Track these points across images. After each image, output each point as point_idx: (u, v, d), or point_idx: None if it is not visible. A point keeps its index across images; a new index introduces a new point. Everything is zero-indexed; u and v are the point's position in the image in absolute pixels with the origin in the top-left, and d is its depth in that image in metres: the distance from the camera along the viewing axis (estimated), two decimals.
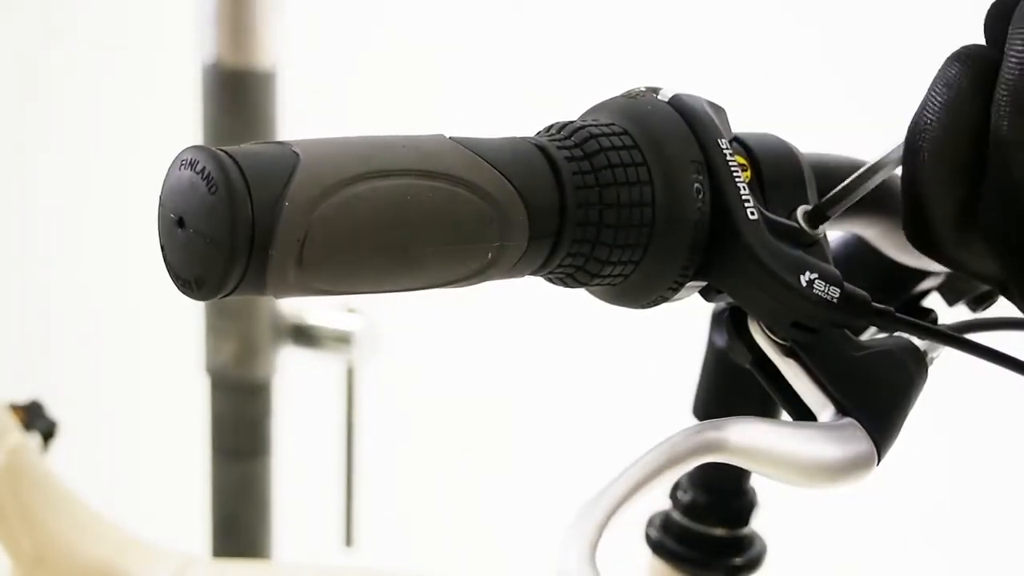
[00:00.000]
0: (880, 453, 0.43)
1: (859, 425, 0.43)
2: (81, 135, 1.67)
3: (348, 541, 1.16)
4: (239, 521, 1.13)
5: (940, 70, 0.39)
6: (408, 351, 1.48)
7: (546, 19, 1.47)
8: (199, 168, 0.35)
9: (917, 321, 0.46)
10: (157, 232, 0.37)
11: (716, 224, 0.41)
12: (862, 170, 0.44)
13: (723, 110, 0.43)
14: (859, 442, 0.42)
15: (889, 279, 0.56)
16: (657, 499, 0.64)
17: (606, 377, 1.51)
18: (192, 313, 1.09)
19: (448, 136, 0.39)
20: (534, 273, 0.41)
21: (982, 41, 0.40)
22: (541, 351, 1.55)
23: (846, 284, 0.43)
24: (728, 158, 0.41)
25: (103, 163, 1.66)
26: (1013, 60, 0.37)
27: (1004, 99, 0.37)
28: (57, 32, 1.65)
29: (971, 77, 0.38)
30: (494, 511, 1.61)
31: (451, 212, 0.38)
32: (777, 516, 0.67)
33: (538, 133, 0.42)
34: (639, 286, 0.42)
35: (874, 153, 0.45)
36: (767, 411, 0.50)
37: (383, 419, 1.32)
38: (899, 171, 0.44)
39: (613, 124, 0.41)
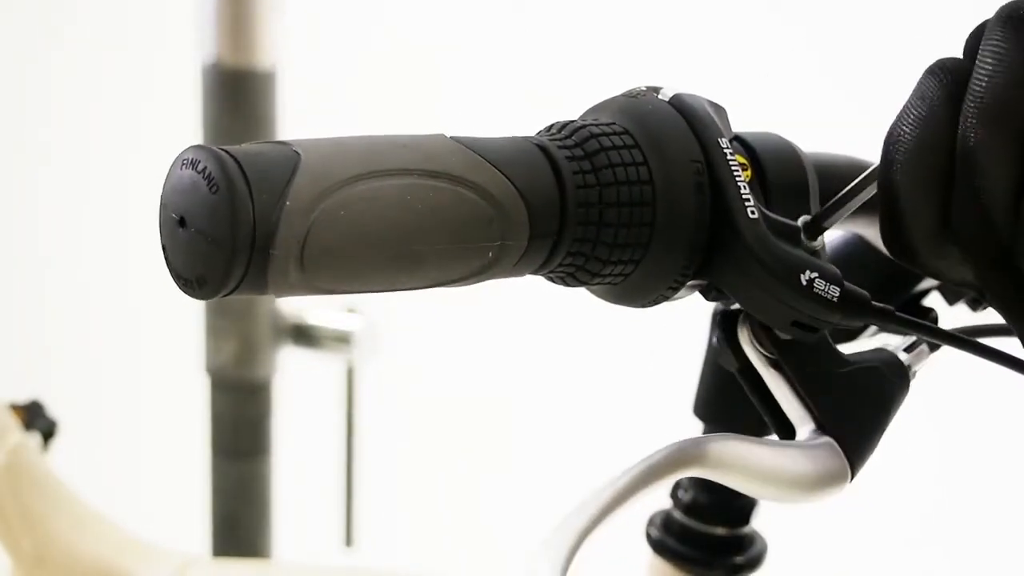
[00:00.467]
0: (853, 471, 0.44)
1: (834, 443, 0.43)
2: (81, 135, 1.67)
3: (348, 541, 1.17)
4: (239, 521, 1.13)
5: (917, 83, 0.40)
6: (408, 351, 1.48)
7: (546, 19, 1.47)
8: (200, 168, 0.35)
9: (917, 320, 0.46)
10: (158, 232, 0.37)
11: (716, 223, 0.41)
12: (862, 176, 0.44)
13: (724, 109, 0.43)
14: (833, 460, 0.43)
15: (890, 278, 0.56)
16: (657, 499, 0.64)
17: (606, 377, 1.51)
18: (192, 313, 1.09)
19: (449, 136, 0.39)
20: (535, 272, 0.41)
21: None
22: (541, 351, 1.55)
23: (846, 283, 0.43)
24: (728, 157, 0.41)
25: (103, 163, 1.66)
26: (981, 71, 0.38)
27: (971, 109, 0.38)
28: (57, 32, 1.65)
29: (945, 89, 0.39)
30: (494, 511, 1.61)
31: (452, 211, 0.38)
32: (778, 515, 0.67)
33: (539, 133, 0.42)
34: (640, 285, 0.42)
35: (877, 156, 0.45)
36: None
37: (383, 419, 1.32)
38: None
39: (614, 124, 0.41)
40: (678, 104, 0.42)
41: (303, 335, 1.10)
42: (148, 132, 1.39)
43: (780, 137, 0.45)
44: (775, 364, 0.44)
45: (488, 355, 1.58)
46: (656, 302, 0.43)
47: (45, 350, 1.73)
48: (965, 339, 0.46)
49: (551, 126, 0.42)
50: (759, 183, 0.43)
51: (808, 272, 0.42)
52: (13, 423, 0.79)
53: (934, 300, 0.59)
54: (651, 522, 0.65)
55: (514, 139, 0.40)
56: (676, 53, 1.37)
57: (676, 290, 0.42)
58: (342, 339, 1.10)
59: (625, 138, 0.41)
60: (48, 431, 0.89)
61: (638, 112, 0.41)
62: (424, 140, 0.38)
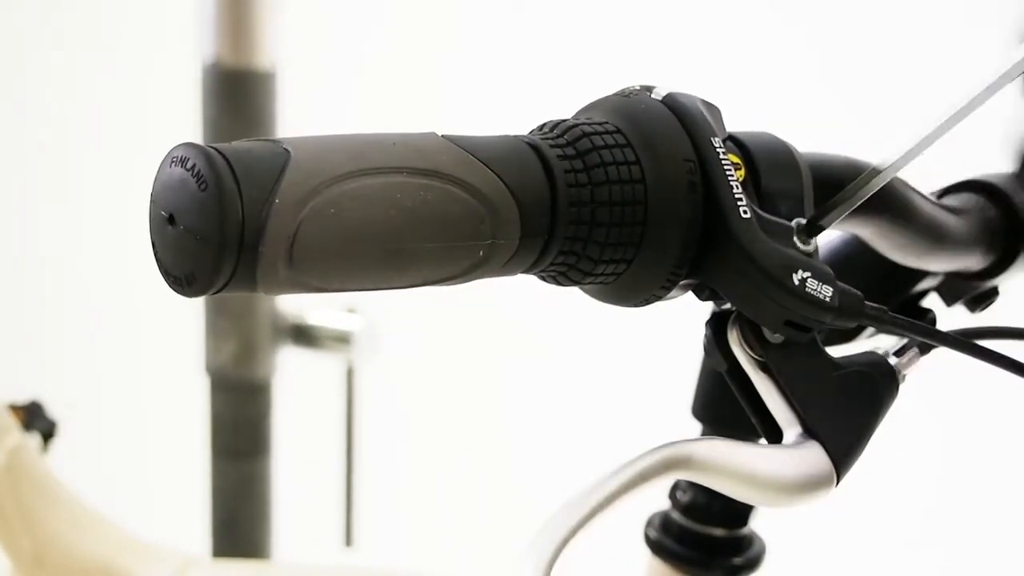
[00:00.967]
0: (839, 474, 0.44)
1: (821, 446, 0.43)
2: (81, 135, 1.67)
3: (348, 541, 1.17)
4: (239, 521, 1.13)
5: None
6: (408, 351, 1.48)
7: (546, 19, 1.47)
8: (189, 165, 0.35)
9: (911, 321, 0.46)
10: (148, 229, 0.37)
11: (709, 223, 0.41)
12: (860, 178, 0.44)
13: (718, 109, 0.43)
14: (819, 463, 0.43)
15: (887, 279, 0.56)
16: (657, 499, 0.64)
17: (606, 377, 1.50)
18: (192, 313, 1.09)
19: (440, 134, 0.39)
20: (526, 271, 0.41)
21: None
22: (541, 351, 1.55)
23: (839, 283, 0.43)
24: (721, 157, 0.41)
25: (103, 163, 1.66)
26: None
27: None
28: (57, 32, 1.65)
29: None
30: (494, 511, 1.61)
31: (442, 210, 0.37)
32: (777, 516, 0.67)
33: (531, 132, 0.42)
34: (632, 285, 0.42)
35: (872, 156, 0.44)
36: None
37: (383, 419, 1.32)
38: (898, 174, 0.44)
39: (606, 123, 0.41)
40: (671, 103, 0.42)
41: (303, 335, 1.11)
42: (148, 132, 1.39)
43: (775, 137, 0.45)
44: (763, 366, 0.44)
45: (488, 355, 1.58)
46: (649, 301, 0.43)
47: (45, 350, 1.73)
48: (961, 341, 0.46)
49: (543, 125, 0.42)
50: (752, 183, 0.43)
51: (800, 272, 0.42)
52: (13, 424, 0.79)
53: (932, 301, 0.59)
54: (649, 523, 0.65)
55: (505, 138, 0.40)
56: (676, 53, 1.37)
57: (669, 289, 0.42)
58: (342, 339, 1.11)
59: (617, 137, 0.41)
60: (48, 432, 0.89)
61: (630, 111, 0.41)
62: (415, 138, 0.38)
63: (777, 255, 0.41)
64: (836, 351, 0.46)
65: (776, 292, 0.41)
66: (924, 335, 0.46)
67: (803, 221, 0.43)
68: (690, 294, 0.44)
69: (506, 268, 0.40)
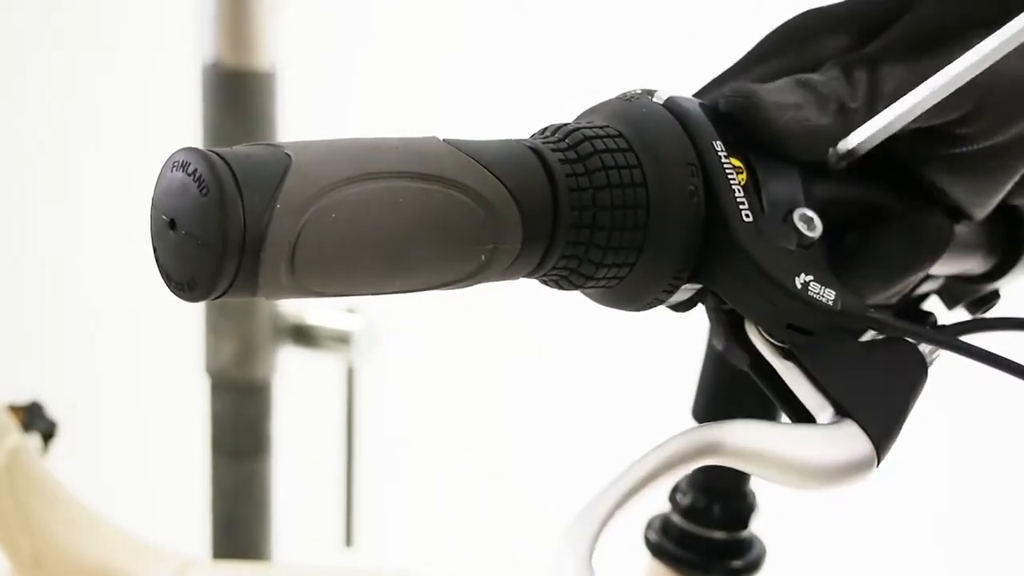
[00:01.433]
0: (880, 454, 0.42)
1: (858, 426, 0.42)
2: (81, 135, 1.67)
3: (348, 541, 1.17)
4: (239, 521, 1.13)
5: None
6: (408, 351, 1.48)
7: (546, 19, 1.47)
8: (191, 170, 0.35)
9: (913, 325, 0.45)
10: (149, 233, 0.37)
11: (710, 227, 0.41)
12: None
13: (720, 112, 0.43)
14: (858, 443, 0.42)
15: None
16: (656, 501, 0.64)
17: (606, 378, 1.50)
18: (192, 314, 1.09)
19: (441, 138, 0.39)
20: (528, 275, 0.41)
21: None
22: (541, 351, 1.54)
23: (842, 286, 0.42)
24: (723, 160, 0.41)
25: (103, 163, 1.66)
26: None
27: None
28: (57, 32, 1.65)
29: None
30: (494, 511, 1.61)
31: (444, 214, 0.37)
32: (777, 519, 0.67)
33: (532, 135, 0.42)
34: (633, 289, 0.42)
35: None
36: (767, 413, 0.49)
37: (383, 419, 1.32)
38: None
39: (607, 126, 0.41)
40: (672, 107, 0.41)
41: (303, 335, 1.11)
42: (148, 132, 1.39)
43: None
44: (788, 354, 0.43)
45: (488, 355, 1.58)
46: (651, 306, 0.43)
47: (45, 350, 1.73)
48: (963, 345, 0.45)
49: (544, 129, 0.42)
50: (754, 186, 0.43)
51: (803, 275, 0.42)
52: (12, 424, 0.79)
53: (932, 304, 0.59)
54: (649, 526, 0.65)
55: (507, 142, 0.40)
56: (675, 53, 1.37)
57: (671, 293, 0.42)
58: (342, 339, 1.11)
59: (619, 141, 0.40)
60: (48, 432, 0.89)
61: (632, 115, 0.41)
62: (416, 142, 0.38)
63: (779, 258, 0.41)
64: None
65: (778, 296, 0.41)
66: (926, 339, 0.45)
67: (805, 210, 0.43)
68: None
69: (508, 272, 0.40)
